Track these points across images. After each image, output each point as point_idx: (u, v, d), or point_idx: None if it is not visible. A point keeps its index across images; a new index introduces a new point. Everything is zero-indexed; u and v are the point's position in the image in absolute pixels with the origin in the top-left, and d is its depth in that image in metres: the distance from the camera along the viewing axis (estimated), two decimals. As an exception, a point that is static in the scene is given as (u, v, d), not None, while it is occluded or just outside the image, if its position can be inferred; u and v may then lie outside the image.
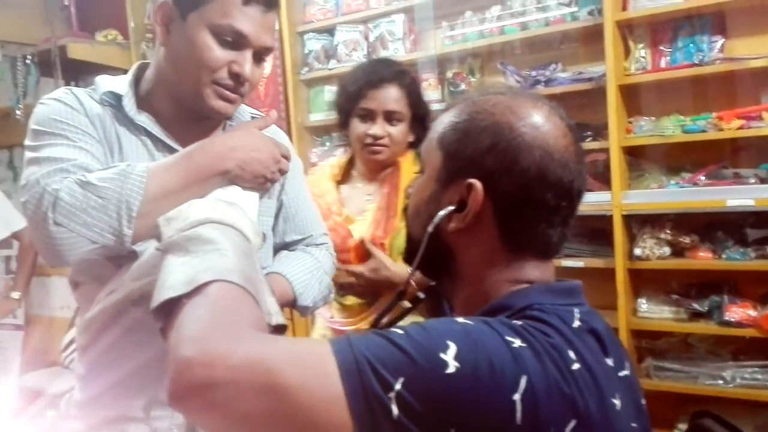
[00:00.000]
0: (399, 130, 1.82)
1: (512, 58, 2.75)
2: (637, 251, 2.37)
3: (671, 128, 2.34)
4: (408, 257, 0.88)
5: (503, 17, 2.69)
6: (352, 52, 3.00)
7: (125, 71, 1.17)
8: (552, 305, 0.75)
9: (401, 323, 0.95)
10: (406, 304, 0.94)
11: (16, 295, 3.11)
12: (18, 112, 3.45)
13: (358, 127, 1.83)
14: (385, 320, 0.95)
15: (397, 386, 0.62)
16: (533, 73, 2.63)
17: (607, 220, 2.37)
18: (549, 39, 2.66)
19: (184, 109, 1.12)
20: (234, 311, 0.69)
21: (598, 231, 2.44)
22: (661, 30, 2.45)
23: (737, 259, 2.27)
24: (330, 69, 3.07)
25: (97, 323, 1.00)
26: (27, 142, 1.05)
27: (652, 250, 2.36)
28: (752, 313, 2.23)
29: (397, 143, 1.82)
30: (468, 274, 0.82)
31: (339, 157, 2.08)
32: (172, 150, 1.11)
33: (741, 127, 2.23)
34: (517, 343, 0.67)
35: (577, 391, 0.67)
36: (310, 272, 1.29)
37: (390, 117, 1.81)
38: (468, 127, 0.80)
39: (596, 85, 2.43)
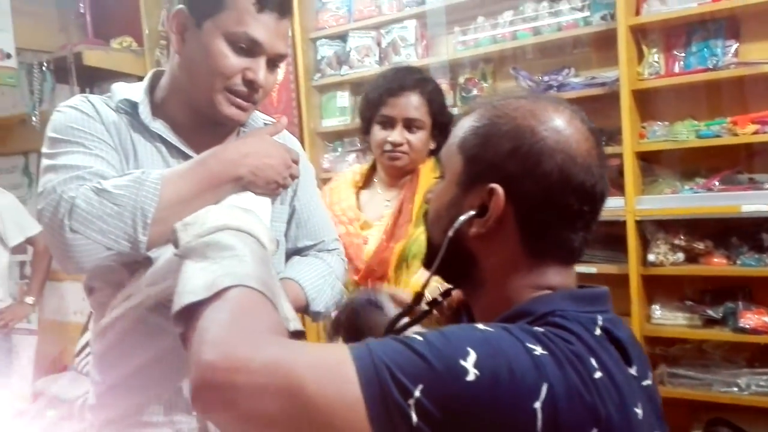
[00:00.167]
0: (418, 138, 1.84)
1: (524, 63, 2.74)
2: (651, 257, 2.36)
3: (685, 133, 2.32)
4: (428, 262, 0.87)
5: (515, 22, 2.68)
6: (364, 58, 3.01)
7: (139, 77, 1.18)
8: (574, 312, 0.74)
9: (418, 327, 0.96)
10: (424, 306, 0.94)
11: (30, 300, 3.13)
12: (34, 118, 3.49)
13: (378, 133, 1.86)
14: (402, 323, 0.95)
15: (417, 393, 0.62)
16: (546, 78, 2.62)
17: (620, 225, 2.35)
18: (561, 44, 2.65)
19: (198, 116, 1.12)
20: (254, 316, 0.69)
21: (611, 237, 2.42)
22: (674, 34, 2.43)
23: (752, 265, 2.24)
24: (342, 75, 3.08)
25: (113, 329, 1.01)
26: (44, 149, 1.07)
27: (666, 256, 2.35)
28: (767, 319, 2.21)
29: (416, 150, 1.85)
30: (489, 280, 0.81)
31: (362, 164, 2.12)
32: (186, 156, 1.12)
33: (756, 132, 2.21)
34: (539, 350, 0.66)
35: (599, 399, 0.67)
36: (323, 277, 1.30)
37: (410, 124, 1.83)
38: (489, 132, 0.79)
39: (609, 90, 2.42)
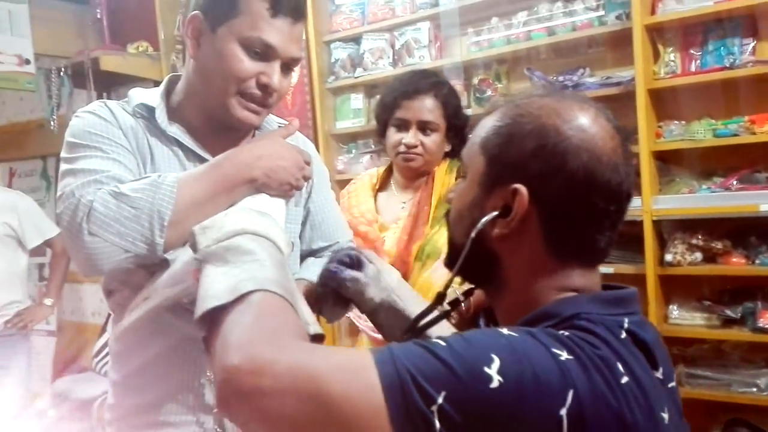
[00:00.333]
0: (433, 140, 1.87)
1: (539, 64, 2.73)
2: (668, 257, 2.34)
3: (702, 132, 2.30)
4: (450, 262, 0.86)
5: (530, 23, 2.68)
6: (378, 60, 3.02)
7: (156, 82, 1.20)
8: (599, 315, 0.73)
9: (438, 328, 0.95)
10: (446, 306, 0.93)
11: (49, 301, 3.17)
12: (52, 123, 3.53)
13: (393, 136, 1.89)
14: (423, 322, 0.95)
15: (440, 400, 0.61)
16: (561, 79, 2.61)
17: (637, 225, 2.34)
18: (576, 44, 2.64)
19: (213, 119, 1.13)
20: (277, 320, 0.69)
21: (628, 237, 2.40)
22: (690, 33, 2.41)
23: (771, 265, 2.22)
24: (356, 77, 3.08)
25: (132, 330, 1.02)
26: (63, 154, 1.08)
27: (684, 256, 2.33)
28: (787, 319, 2.18)
29: (430, 152, 1.87)
30: (512, 281, 0.80)
31: (378, 168, 2.14)
32: (202, 160, 1.13)
33: (774, 131, 2.19)
34: (564, 355, 0.65)
35: (626, 404, 0.66)
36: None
37: (424, 127, 1.86)
38: (512, 131, 0.78)
39: (625, 89, 2.41)
